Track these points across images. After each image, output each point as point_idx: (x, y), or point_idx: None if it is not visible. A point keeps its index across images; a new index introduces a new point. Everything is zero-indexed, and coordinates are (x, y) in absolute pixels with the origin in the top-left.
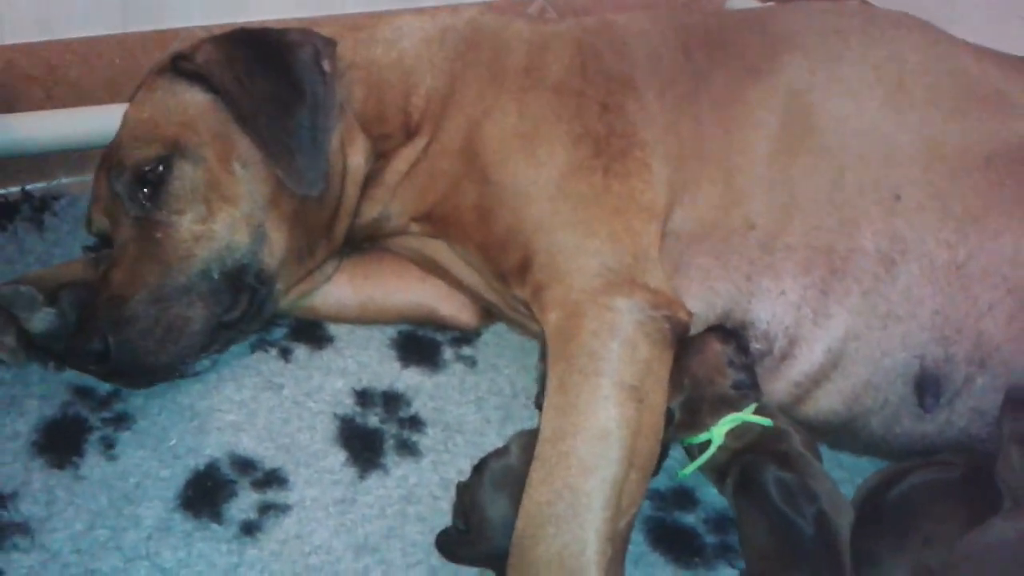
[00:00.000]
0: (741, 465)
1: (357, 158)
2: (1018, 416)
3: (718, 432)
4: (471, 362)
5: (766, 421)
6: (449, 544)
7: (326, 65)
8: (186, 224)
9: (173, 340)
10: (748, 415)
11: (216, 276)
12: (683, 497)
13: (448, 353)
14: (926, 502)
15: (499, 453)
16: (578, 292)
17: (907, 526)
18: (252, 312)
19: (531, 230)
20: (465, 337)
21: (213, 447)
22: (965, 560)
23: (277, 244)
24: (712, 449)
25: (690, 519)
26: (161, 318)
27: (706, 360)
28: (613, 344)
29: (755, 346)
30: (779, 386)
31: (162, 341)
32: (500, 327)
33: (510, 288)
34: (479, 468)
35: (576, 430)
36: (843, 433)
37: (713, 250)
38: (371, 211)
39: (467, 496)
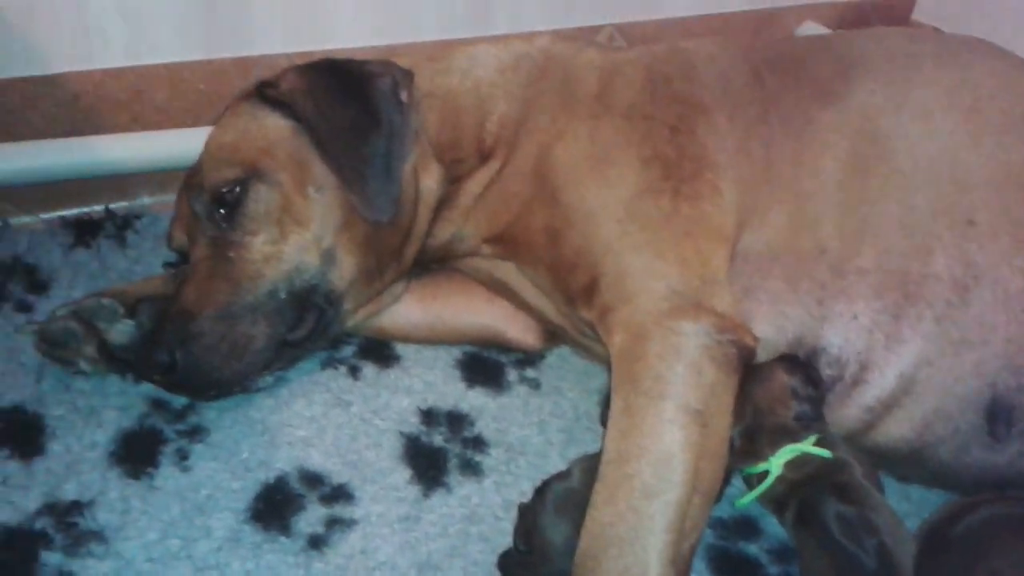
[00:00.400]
0: (800, 497)
1: (430, 183)
2: None
3: (776, 463)
4: (535, 384)
5: (825, 453)
6: (510, 566)
7: (403, 95)
8: (258, 245)
9: (237, 356)
10: (808, 446)
11: (283, 296)
12: (746, 526)
13: (512, 375)
14: (994, 536)
15: (561, 476)
16: (644, 314)
17: (973, 559)
18: (318, 331)
19: (600, 252)
20: (529, 359)
21: (283, 461)
22: None
23: (347, 266)
24: (770, 480)
25: (753, 549)
26: (227, 335)
27: (771, 390)
28: (678, 367)
29: (826, 372)
30: (850, 412)
31: (226, 357)
32: (564, 350)
33: (577, 310)
34: (541, 491)
35: (640, 452)
36: (912, 462)
37: (783, 274)
38: (444, 233)
39: (529, 518)
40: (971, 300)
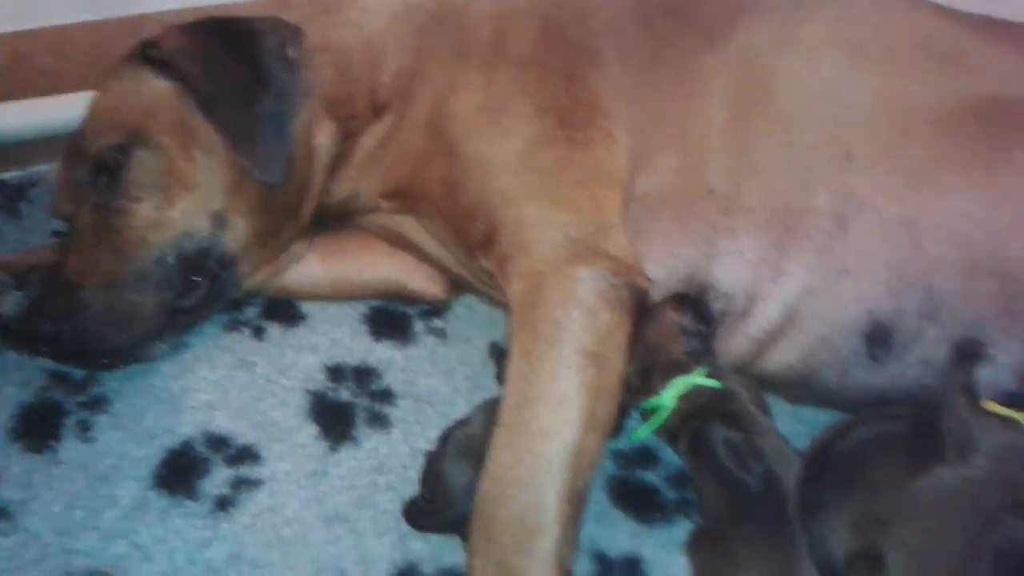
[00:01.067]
0: (692, 427)
1: (324, 140)
2: (964, 367)
3: (668, 396)
4: (441, 334)
5: (715, 383)
6: (416, 513)
7: (291, 53)
8: (143, 212)
9: (125, 325)
10: (698, 379)
11: (172, 262)
12: (645, 456)
13: (419, 326)
14: (872, 453)
15: (463, 423)
16: (542, 263)
17: (853, 476)
18: (212, 297)
19: (497, 202)
20: (436, 310)
21: (187, 426)
22: (909, 506)
23: (240, 229)
24: (663, 413)
25: (651, 477)
26: (113, 304)
27: (661, 329)
28: (575, 312)
29: (716, 306)
30: (739, 343)
31: (113, 326)
32: (470, 299)
33: (477, 260)
34: (443, 438)
35: (538, 396)
36: (799, 386)
37: (674, 216)
38: (341, 190)
39: (432, 465)
40: (850, 231)
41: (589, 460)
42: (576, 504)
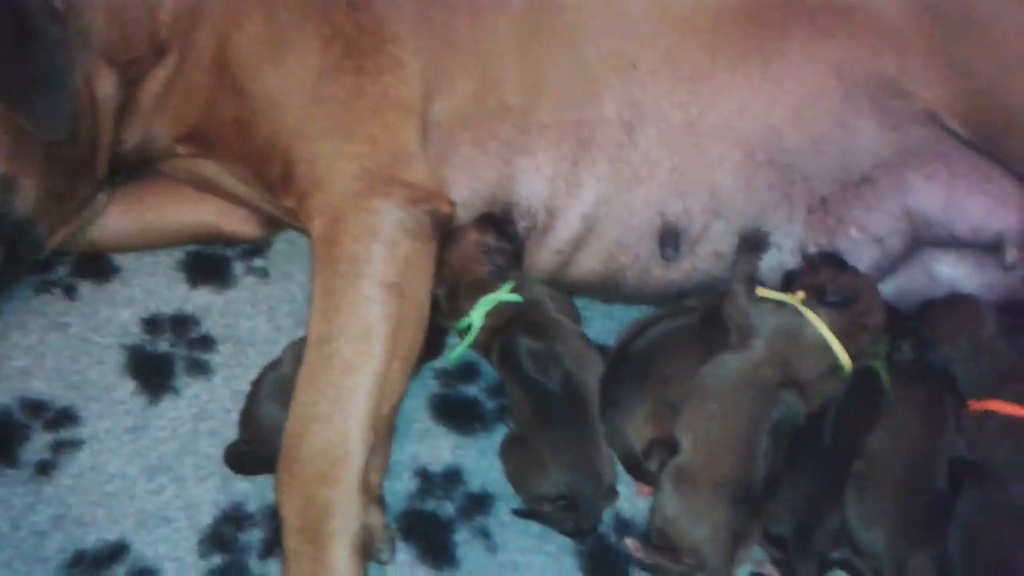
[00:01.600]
0: (501, 340)
1: (106, 89)
2: (750, 256)
3: (476, 315)
4: (263, 273)
5: (516, 298)
6: (235, 455)
7: (58, 3)
8: None
9: None
10: (502, 295)
11: None
12: (467, 371)
13: (239, 267)
14: (666, 348)
15: (274, 364)
16: (339, 197)
17: (648, 371)
18: (12, 262)
19: (289, 139)
20: (256, 248)
21: (3, 394)
22: (697, 391)
23: (30, 191)
24: (473, 331)
25: (473, 390)
26: None
27: (463, 251)
28: (374, 245)
29: (521, 223)
30: (545, 255)
31: None
32: (292, 234)
33: (278, 199)
34: (257, 381)
35: (339, 331)
36: (605, 289)
37: (473, 138)
38: (133, 138)
39: (248, 408)
40: (638, 139)
41: (393, 387)
42: (382, 430)
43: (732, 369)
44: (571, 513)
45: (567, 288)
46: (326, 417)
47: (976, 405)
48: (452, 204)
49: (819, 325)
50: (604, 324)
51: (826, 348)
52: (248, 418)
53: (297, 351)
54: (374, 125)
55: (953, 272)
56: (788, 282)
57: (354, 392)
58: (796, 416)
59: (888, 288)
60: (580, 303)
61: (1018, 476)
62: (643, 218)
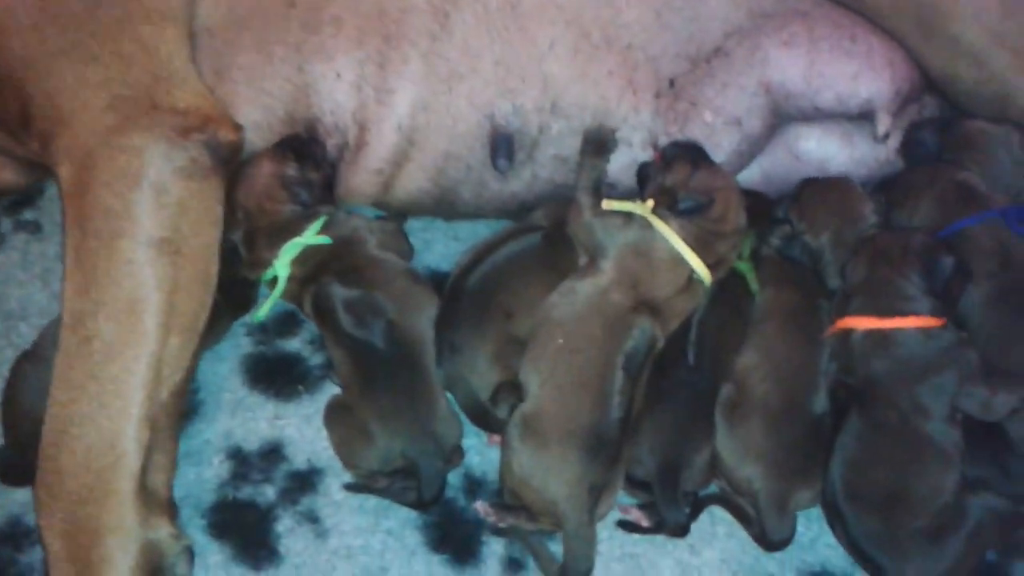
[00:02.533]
0: (312, 290)
1: None
2: (589, 162)
3: (281, 265)
4: (35, 228)
5: (324, 240)
6: (3, 464)
7: None
8: None
9: None
10: (308, 238)
11: None
12: (285, 322)
13: (4, 224)
14: (507, 276)
15: (29, 353)
16: (87, 135)
17: (488, 304)
18: None
19: (21, 69)
20: (24, 199)
21: None
22: (543, 324)
23: None
24: (280, 284)
25: (294, 344)
26: None
27: (254, 187)
28: (133, 194)
29: (330, 143)
30: (363, 177)
31: None
32: None
33: (22, 142)
34: (12, 374)
35: (96, 308)
36: (440, 209)
37: (255, 43)
38: None
39: (6, 409)
40: (453, 27)
41: (174, 367)
42: (164, 420)
43: (579, 297)
44: (411, 483)
45: (397, 212)
46: (87, 418)
47: (836, 326)
48: (237, 129)
49: (670, 236)
50: (447, 247)
51: (680, 261)
52: (8, 420)
53: (54, 332)
54: (123, 40)
55: (821, 150)
56: (643, 179)
57: (120, 382)
58: (652, 343)
59: (752, 173)
60: (419, 224)
61: (902, 390)
62: (469, 123)
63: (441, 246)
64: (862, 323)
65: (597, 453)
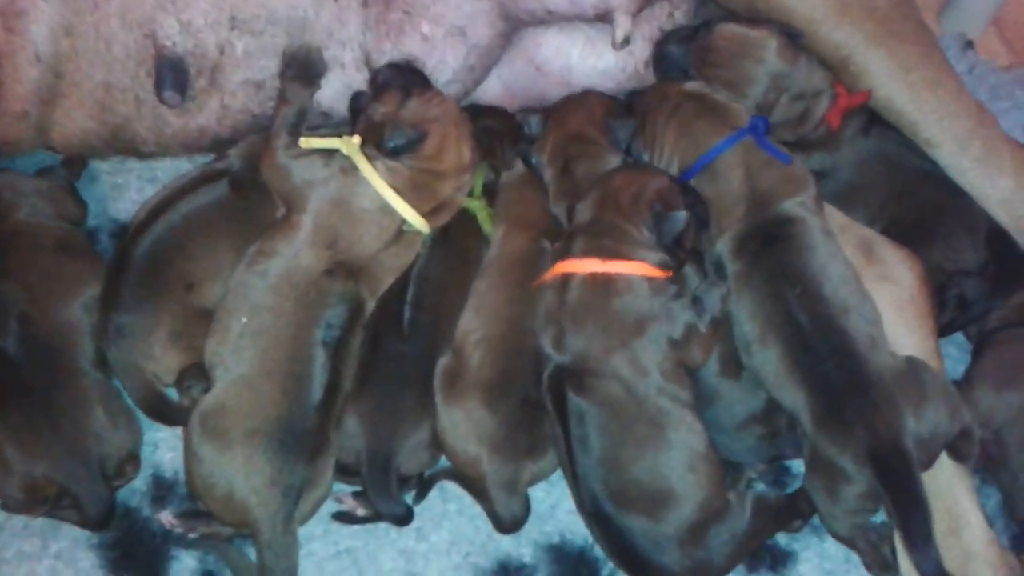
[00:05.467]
0: None
1: None
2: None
3: None
4: None
5: None
6: None
7: None
8: None
9: None
10: None
11: None
12: None
13: None
14: (186, 237)
15: None
16: None
17: (162, 274)
18: None
19: None
20: None
21: None
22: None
23: None
24: None
25: None
26: None
27: None
28: None
29: None
30: (7, 124)
31: None
32: None
33: None
34: None
35: None
36: (118, 149)
37: None
38: None
39: None
40: None
41: None
42: None
43: (269, 263)
44: (73, 501)
45: (74, 157)
46: None
47: (555, 270)
48: None
49: (374, 181)
50: (142, 193)
51: (387, 210)
52: None
53: None
54: None
55: (562, 58)
56: (356, 110)
57: None
58: (356, 310)
59: (493, 87)
60: (107, 166)
61: (617, 351)
62: (127, 46)
63: (135, 192)
64: (583, 266)
65: (291, 449)
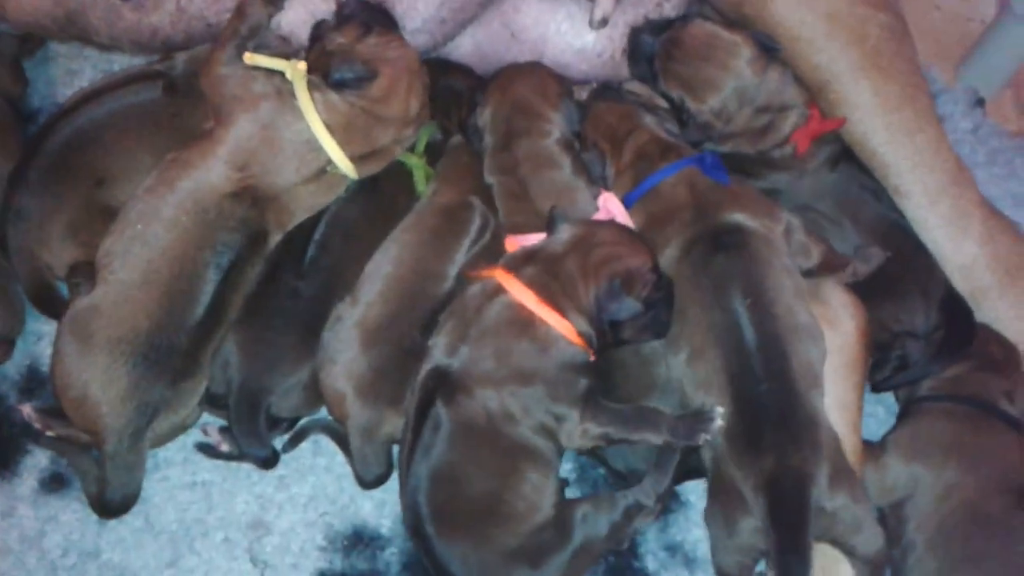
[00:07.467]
0: None
1: None
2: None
3: None
4: None
5: None
6: None
7: None
8: None
9: None
10: None
11: None
12: None
13: None
14: (104, 135)
15: None
16: None
17: (74, 164)
18: None
19: None
20: None
21: None
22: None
23: None
24: None
25: None
26: None
27: None
28: None
29: None
30: None
31: None
32: None
33: None
34: None
35: None
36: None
37: None
38: None
39: None
40: None
41: None
42: None
43: (176, 171)
44: None
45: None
46: None
47: (489, 271)
48: None
49: (308, 112)
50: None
51: (314, 145)
52: None
53: None
54: None
55: (539, 28)
56: (316, 39)
57: None
58: (257, 239)
59: (465, 45)
60: (65, 49)
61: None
62: None
63: (87, 80)
64: (520, 293)
65: (154, 366)
